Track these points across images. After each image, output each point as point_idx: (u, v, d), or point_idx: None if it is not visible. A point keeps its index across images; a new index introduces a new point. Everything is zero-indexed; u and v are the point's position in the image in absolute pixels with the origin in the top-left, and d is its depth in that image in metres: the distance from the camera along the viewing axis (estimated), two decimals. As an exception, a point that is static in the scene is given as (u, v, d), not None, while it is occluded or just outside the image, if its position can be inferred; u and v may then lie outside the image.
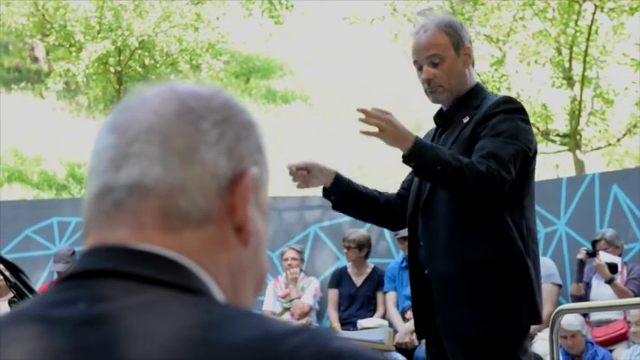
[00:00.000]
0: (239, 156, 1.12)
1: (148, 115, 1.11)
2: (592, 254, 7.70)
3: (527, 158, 3.50)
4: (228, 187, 1.10)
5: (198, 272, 1.06)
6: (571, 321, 6.99)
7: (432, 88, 3.64)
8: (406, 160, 3.38)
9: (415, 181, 3.72)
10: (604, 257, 7.65)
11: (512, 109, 3.56)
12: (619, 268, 7.67)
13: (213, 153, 1.10)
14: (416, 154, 3.35)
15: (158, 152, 1.08)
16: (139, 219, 1.07)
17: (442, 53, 3.62)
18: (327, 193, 3.75)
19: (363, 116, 3.38)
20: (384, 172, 16.21)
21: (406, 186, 3.83)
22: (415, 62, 3.67)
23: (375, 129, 3.37)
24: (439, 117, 3.76)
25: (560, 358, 6.95)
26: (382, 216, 3.85)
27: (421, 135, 3.70)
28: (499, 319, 3.43)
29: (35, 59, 22.39)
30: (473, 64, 3.73)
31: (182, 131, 1.09)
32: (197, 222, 1.08)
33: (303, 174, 3.64)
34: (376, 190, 3.85)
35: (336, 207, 3.84)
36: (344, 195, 3.75)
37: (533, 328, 7.45)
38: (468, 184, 3.33)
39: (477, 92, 3.69)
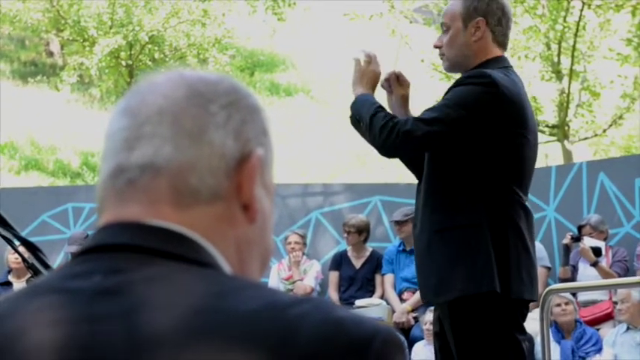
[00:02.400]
0: (245, 138, 1.12)
1: (158, 99, 1.11)
2: (577, 239, 7.72)
3: (470, 123, 3.28)
4: (236, 167, 1.10)
5: (206, 246, 1.06)
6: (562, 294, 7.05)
7: (439, 55, 3.55)
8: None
9: None
10: (588, 242, 7.68)
11: (476, 82, 3.33)
12: (603, 252, 7.69)
13: (220, 134, 1.10)
14: (352, 105, 3.49)
15: (169, 133, 1.08)
16: (151, 196, 1.07)
17: (449, 22, 3.47)
18: None
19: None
20: (381, 162, 16.18)
21: None
22: None
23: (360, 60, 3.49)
24: None
25: (551, 336, 6.99)
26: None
27: None
28: (465, 284, 3.29)
29: (50, 53, 22.35)
30: (494, 39, 3.46)
31: (191, 113, 1.10)
32: (206, 199, 1.08)
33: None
34: None
35: None
36: None
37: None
38: (372, 135, 3.36)
39: (486, 67, 3.42)
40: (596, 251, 7.67)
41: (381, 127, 3.30)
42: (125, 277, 1.00)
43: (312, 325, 0.95)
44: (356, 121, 3.47)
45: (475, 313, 3.31)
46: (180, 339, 0.93)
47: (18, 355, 0.95)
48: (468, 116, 3.29)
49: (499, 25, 3.48)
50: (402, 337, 6.21)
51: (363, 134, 3.46)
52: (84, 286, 1.00)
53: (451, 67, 3.57)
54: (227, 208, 1.10)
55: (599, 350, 7.00)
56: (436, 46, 3.53)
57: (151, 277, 1.00)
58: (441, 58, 3.55)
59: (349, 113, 3.53)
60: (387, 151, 3.38)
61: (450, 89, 3.41)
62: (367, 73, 3.50)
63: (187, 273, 1.02)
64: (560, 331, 7.09)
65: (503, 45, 3.53)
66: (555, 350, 6.99)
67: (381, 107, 3.41)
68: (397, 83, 3.61)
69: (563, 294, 7.00)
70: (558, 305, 7.02)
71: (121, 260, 1.02)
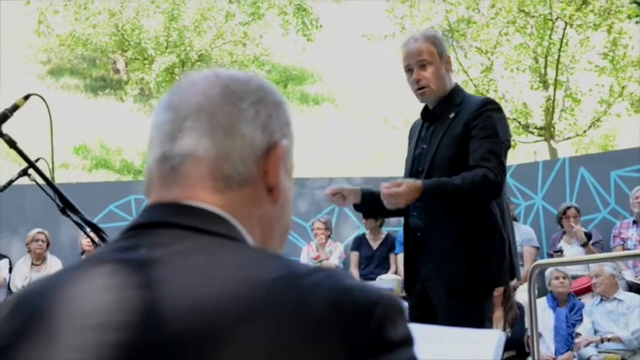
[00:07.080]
0: (271, 130, 1.12)
1: (197, 97, 1.10)
2: (559, 220, 7.75)
3: (508, 149, 3.47)
4: (263, 156, 1.10)
5: (235, 224, 1.06)
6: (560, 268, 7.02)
7: (420, 88, 3.54)
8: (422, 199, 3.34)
9: (408, 163, 3.66)
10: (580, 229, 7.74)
11: (493, 109, 3.47)
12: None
13: (251, 128, 1.10)
14: (428, 200, 3.33)
15: (207, 127, 1.08)
16: (190, 181, 1.07)
17: (430, 58, 3.51)
18: (357, 207, 3.62)
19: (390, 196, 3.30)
20: (398, 161, 16.17)
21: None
22: (407, 66, 3.55)
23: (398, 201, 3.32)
24: (426, 113, 3.63)
25: (546, 303, 6.93)
26: (398, 212, 3.65)
27: (409, 124, 3.76)
28: (483, 279, 3.39)
29: (116, 70, 22.44)
30: (451, 71, 3.64)
31: (225, 110, 1.09)
32: (238, 184, 1.08)
33: (340, 197, 3.54)
34: None
35: (366, 216, 3.82)
36: (369, 206, 3.58)
37: (514, 282, 7.45)
38: (479, 195, 3.36)
39: (457, 92, 3.59)
40: (588, 235, 7.72)
41: (477, 186, 3.32)
42: (166, 249, 1.00)
43: (324, 291, 0.94)
44: (441, 202, 3.41)
45: (487, 300, 3.43)
46: (212, 302, 0.93)
47: (74, 316, 0.95)
48: (507, 144, 3.48)
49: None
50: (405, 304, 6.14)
51: (458, 202, 3.40)
52: (131, 258, 1.00)
53: (436, 97, 3.57)
54: (254, 191, 1.09)
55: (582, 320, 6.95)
56: (418, 80, 3.53)
57: (188, 250, 1.00)
58: (423, 92, 3.54)
59: (438, 200, 3.39)
60: (497, 193, 3.40)
61: (477, 116, 3.45)
62: (403, 190, 3.32)
63: (219, 246, 1.01)
64: (556, 300, 7.03)
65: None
66: (550, 316, 6.94)
67: (443, 181, 3.36)
68: (341, 198, 3.56)
69: (560, 269, 6.95)
70: (557, 279, 6.97)
71: (161, 236, 1.02)
